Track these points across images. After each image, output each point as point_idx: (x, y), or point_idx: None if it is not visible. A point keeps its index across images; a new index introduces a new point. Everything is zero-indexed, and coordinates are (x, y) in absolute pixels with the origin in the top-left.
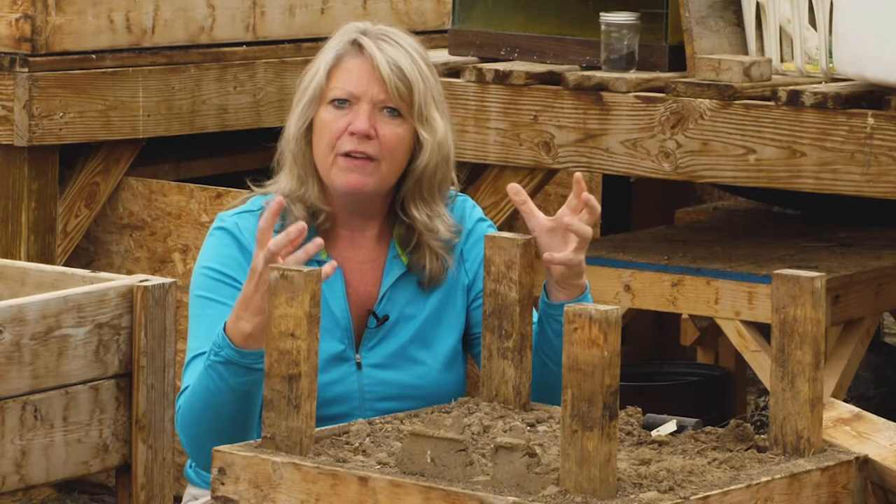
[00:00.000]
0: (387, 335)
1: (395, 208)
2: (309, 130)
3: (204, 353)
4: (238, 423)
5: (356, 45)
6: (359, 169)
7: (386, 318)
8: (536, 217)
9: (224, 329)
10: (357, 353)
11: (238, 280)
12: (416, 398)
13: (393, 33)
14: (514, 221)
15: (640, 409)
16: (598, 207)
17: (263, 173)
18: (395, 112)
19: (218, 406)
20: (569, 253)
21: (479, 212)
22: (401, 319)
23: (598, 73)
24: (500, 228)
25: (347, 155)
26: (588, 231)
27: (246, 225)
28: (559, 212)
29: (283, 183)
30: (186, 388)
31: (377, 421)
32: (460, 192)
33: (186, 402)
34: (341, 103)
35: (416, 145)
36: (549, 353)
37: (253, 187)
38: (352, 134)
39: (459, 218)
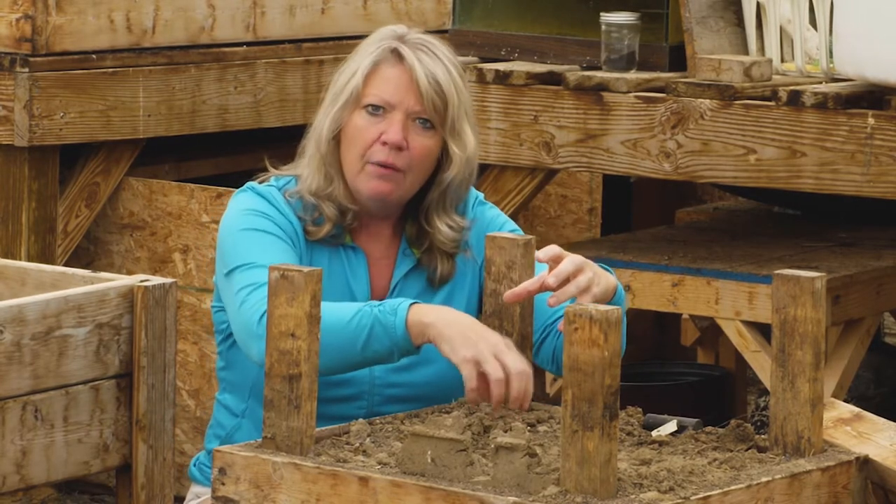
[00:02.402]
0: None
1: (409, 209)
2: (339, 132)
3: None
4: (335, 367)
5: (395, 54)
6: (386, 177)
7: None
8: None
9: (408, 305)
10: None
11: (276, 222)
12: (425, 385)
13: (431, 43)
14: (515, 222)
15: (640, 410)
16: (550, 252)
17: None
18: (427, 123)
19: (337, 346)
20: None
21: (479, 196)
22: None
23: (598, 74)
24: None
25: (377, 164)
26: (567, 268)
27: (274, 195)
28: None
29: (310, 181)
30: (263, 285)
31: (377, 421)
32: None
33: None
34: (375, 110)
35: (444, 157)
36: None
37: (270, 167)
38: (384, 143)
39: (463, 209)
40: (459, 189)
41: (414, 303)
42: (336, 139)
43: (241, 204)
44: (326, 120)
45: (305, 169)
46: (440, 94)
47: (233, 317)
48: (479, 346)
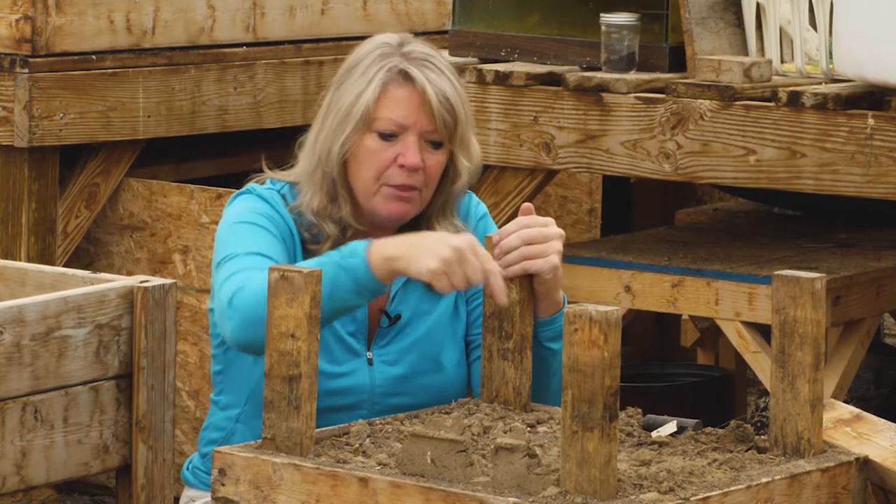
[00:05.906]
0: (399, 333)
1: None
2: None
3: (264, 254)
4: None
5: (402, 74)
6: (405, 199)
7: (398, 317)
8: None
9: (366, 245)
10: (369, 350)
11: (273, 222)
12: (425, 393)
13: (433, 57)
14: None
15: (640, 410)
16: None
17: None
18: (438, 142)
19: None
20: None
21: (482, 209)
22: (413, 318)
23: (598, 74)
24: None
25: (396, 186)
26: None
27: (275, 199)
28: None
29: (312, 199)
30: (239, 271)
31: (377, 422)
32: None
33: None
34: (390, 136)
35: (451, 168)
36: (544, 365)
37: (266, 169)
38: (401, 166)
39: (465, 216)
40: (461, 194)
41: (372, 242)
42: (345, 160)
43: (242, 204)
44: (335, 143)
45: (306, 186)
46: (451, 112)
47: (214, 299)
48: (443, 255)
